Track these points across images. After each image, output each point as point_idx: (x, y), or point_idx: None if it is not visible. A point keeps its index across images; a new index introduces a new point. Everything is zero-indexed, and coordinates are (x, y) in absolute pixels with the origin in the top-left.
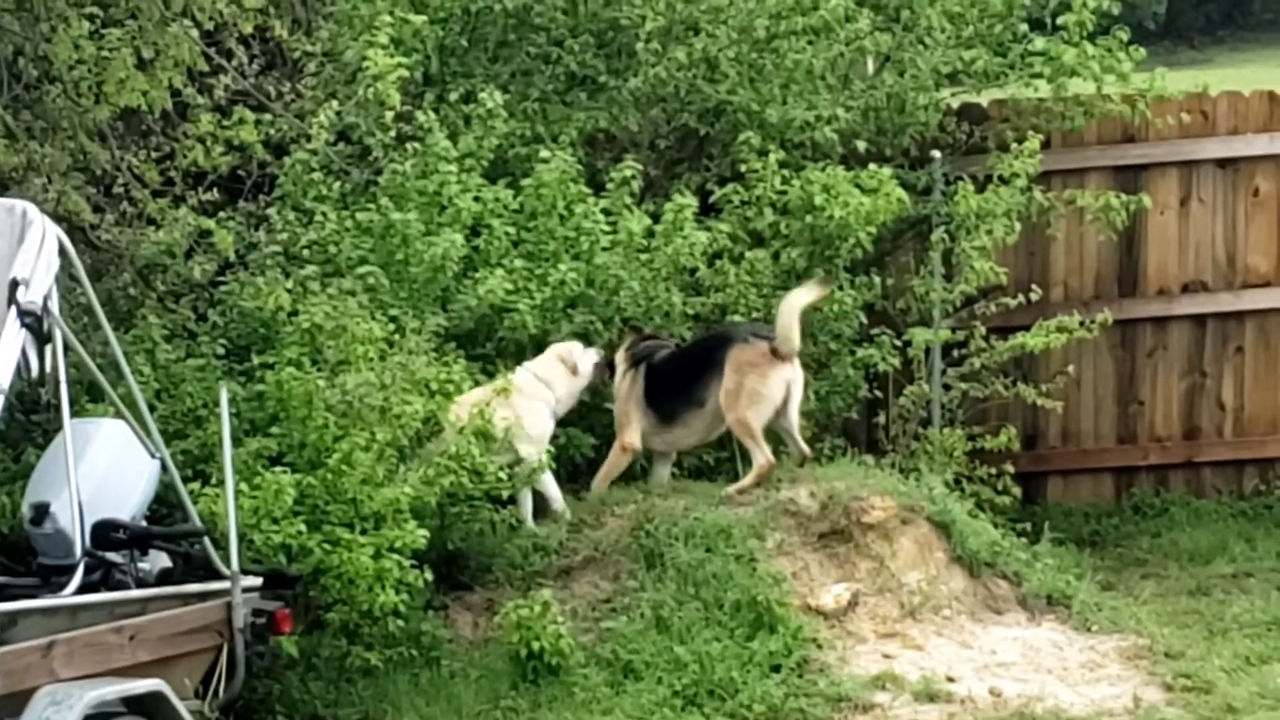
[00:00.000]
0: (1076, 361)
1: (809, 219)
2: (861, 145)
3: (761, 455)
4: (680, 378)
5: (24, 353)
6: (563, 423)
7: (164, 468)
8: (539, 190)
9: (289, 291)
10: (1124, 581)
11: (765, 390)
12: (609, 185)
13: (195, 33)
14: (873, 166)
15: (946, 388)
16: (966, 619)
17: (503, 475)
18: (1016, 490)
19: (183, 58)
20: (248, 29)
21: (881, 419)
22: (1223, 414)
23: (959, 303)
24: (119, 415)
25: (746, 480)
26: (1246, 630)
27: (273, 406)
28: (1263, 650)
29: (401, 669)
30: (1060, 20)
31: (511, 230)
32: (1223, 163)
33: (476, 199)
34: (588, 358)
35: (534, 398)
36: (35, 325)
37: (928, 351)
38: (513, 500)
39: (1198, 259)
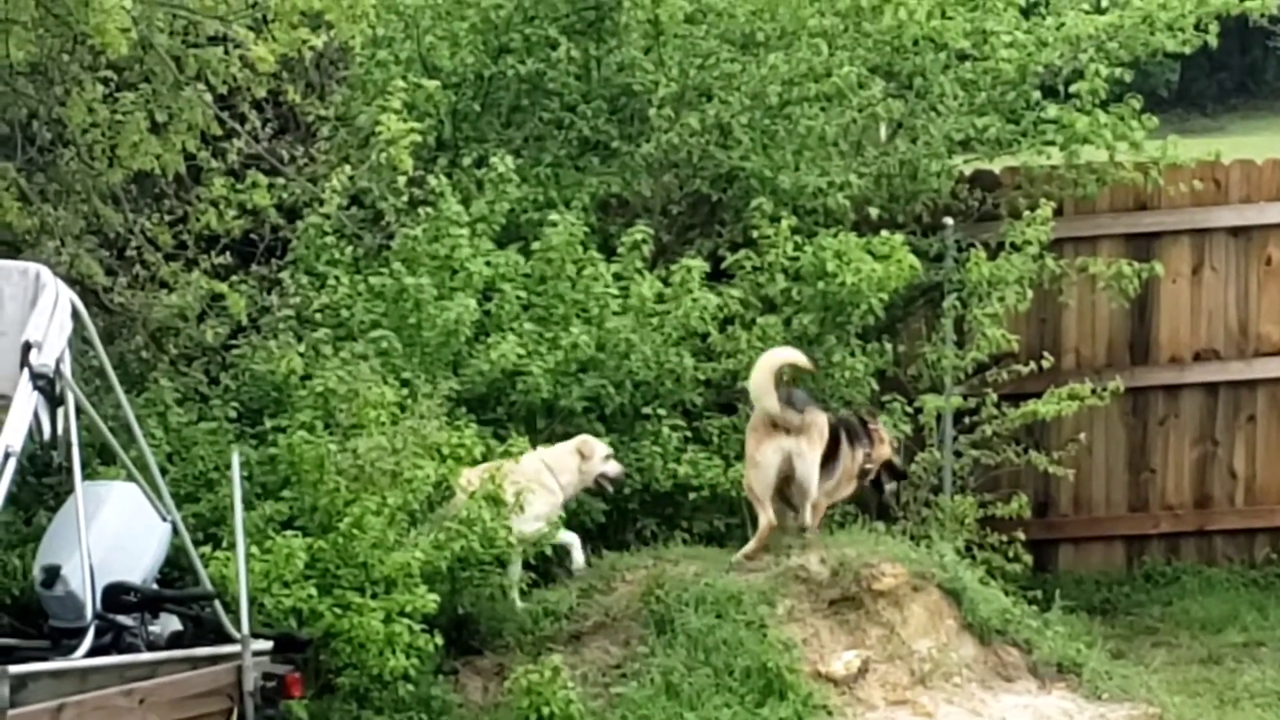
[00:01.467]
0: (1088, 429)
1: (821, 285)
2: (874, 211)
3: (763, 518)
4: None
5: (36, 415)
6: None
7: (175, 531)
8: (548, 254)
9: (301, 355)
10: (1135, 650)
11: (759, 457)
12: (620, 250)
13: (209, 96)
14: (885, 233)
15: (958, 455)
16: (977, 686)
17: (513, 540)
18: (1027, 558)
19: (196, 121)
20: (261, 93)
21: (893, 486)
22: (1234, 482)
23: (971, 369)
24: (130, 478)
25: (751, 545)
26: (1258, 699)
27: (284, 470)
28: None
29: None
30: (1073, 88)
31: (523, 294)
32: (1235, 231)
33: (488, 263)
34: (603, 457)
35: (538, 483)
36: (48, 388)
37: (939, 418)
38: (525, 565)
39: (1210, 327)
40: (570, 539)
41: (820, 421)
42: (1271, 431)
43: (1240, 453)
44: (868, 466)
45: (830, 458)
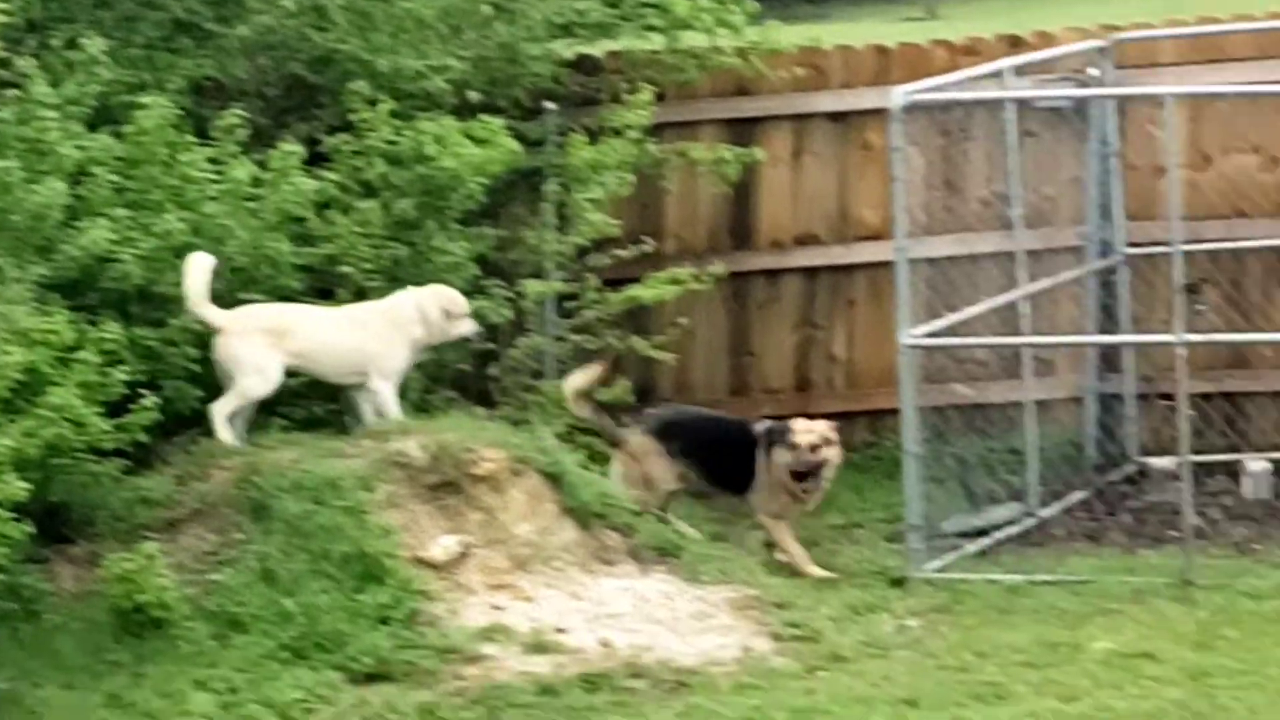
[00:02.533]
0: (689, 314)
1: (420, 169)
2: (474, 95)
3: None
4: None
5: None
6: (171, 375)
7: None
8: (140, 137)
9: None
10: (734, 533)
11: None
12: (215, 134)
13: None
14: (485, 117)
15: (559, 339)
16: (577, 570)
17: (106, 427)
18: None
19: None
20: None
21: (494, 371)
22: (834, 366)
23: (572, 255)
24: None
25: None
26: (855, 580)
27: None
28: (870, 600)
29: (1, 623)
30: None
31: (115, 179)
32: (835, 116)
33: (79, 147)
34: (468, 322)
35: (400, 330)
36: None
37: (540, 303)
38: (119, 453)
39: (810, 212)
40: (388, 398)
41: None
42: (871, 316)
43: (840, 337)
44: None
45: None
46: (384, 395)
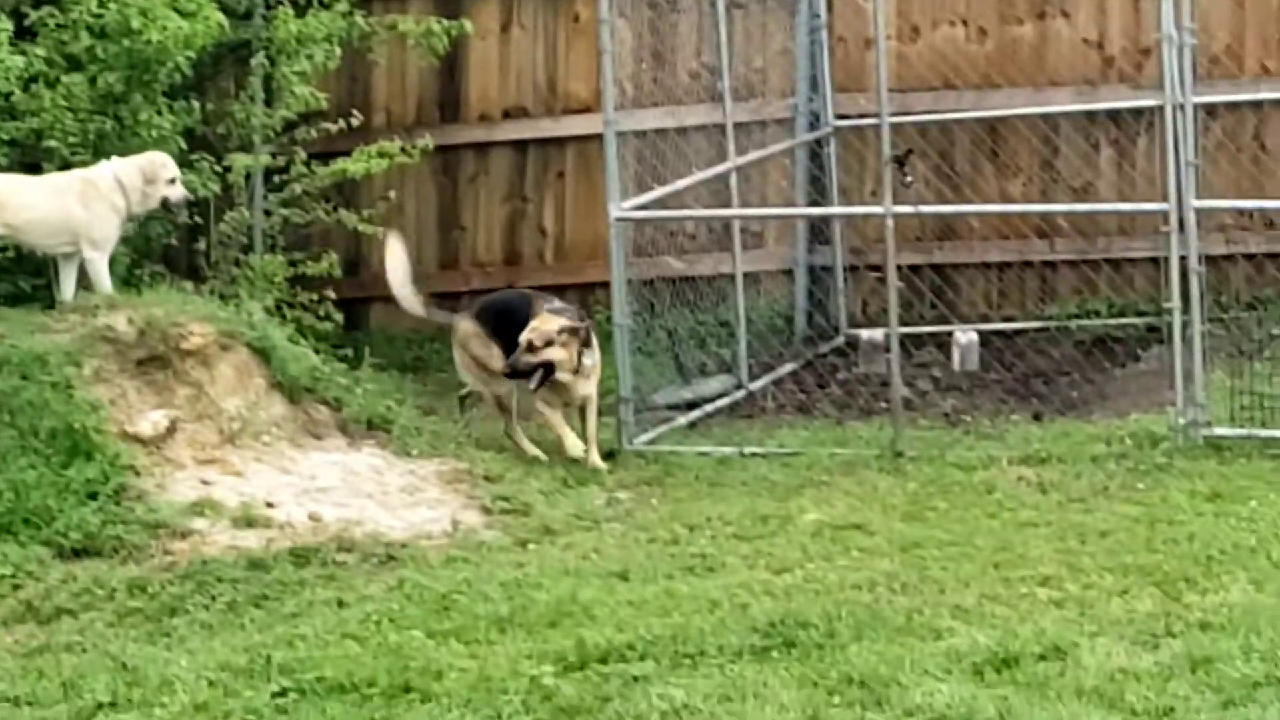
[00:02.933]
0: (399, 188)
1: (126, 43)
2: None
3: None
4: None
5: None
6: None
7: None
8: None
9: None
10: (445, 406)
11: None
12: None
13: None
14: None
15: (268, 214)
16: (286, 445)
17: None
18: (338, 316)
19: None
20: None
21: (202, 245)
22: (544, 239)
23: (280, 128)
24: None
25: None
26: (569, 456)
27: None
28: (580, 473)
29: None
30: None
31: None
32: None
33: None
34: (168, 180)
35: (108, 202)
36: None
37: (248, 177)
38: None
39: (519, 85)
40: (101, 270)
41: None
42: (580, 189)
43: (550, 210)
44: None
45: None
46: (95, 266)
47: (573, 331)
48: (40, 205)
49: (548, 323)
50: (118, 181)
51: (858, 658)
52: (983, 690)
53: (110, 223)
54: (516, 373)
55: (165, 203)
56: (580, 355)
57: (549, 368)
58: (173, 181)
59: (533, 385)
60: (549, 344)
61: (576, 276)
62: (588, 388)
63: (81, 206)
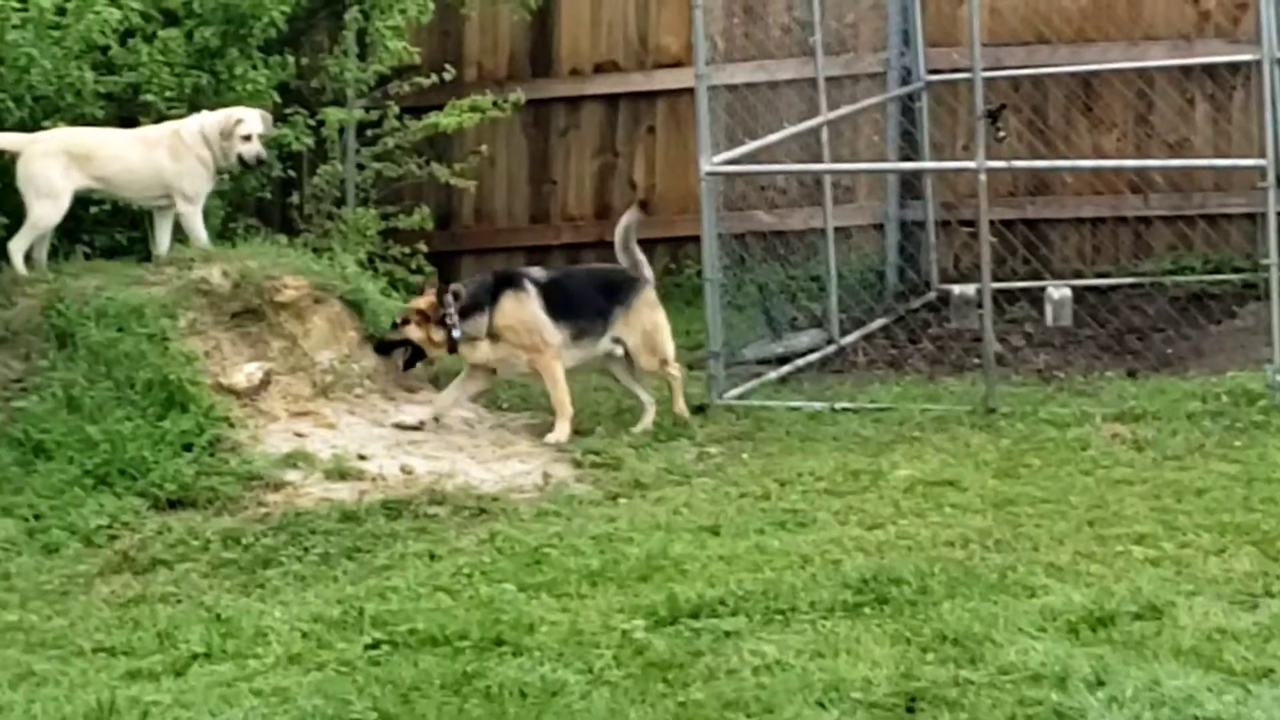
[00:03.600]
0: (490, 141)
1: None
2: None
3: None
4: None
5: None
6: None
7: None
8: None
9: None
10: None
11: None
12: None
13: None
14: None
15: (360, 167)
16: (379, 397)
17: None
18: (430, 269)
19: None
20: None
21: (295, 199)
22: (634, 193)
23: (373, 82)
24: None
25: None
26: (656, 408)
27: None
28: (670, 427)
29: None
30: None
31: None
32: None
33: None
34: (243, 137)
35: (193, 154)
36: None
37: (341, 131)
38: None
39: (610, 39)
40: (196, 224)
41: None
42: (670, 142)
43: (640, 164)
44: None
45: None
46: (190, 219)
47: (421, 313)
48: (130, 158)
49: (414, 302)
50: (203, 135)
51: (951, 615)
52: (1078, 649)
53: (199, 176)
54: (382, 349)
55: (241, 158)
56: (449, 329)
57: (399, 348)
58: (248, 138)
59: (400, 365)
60: (405, 323)
61: (667, 231)
62: (490, 352)
63: (171, 160)
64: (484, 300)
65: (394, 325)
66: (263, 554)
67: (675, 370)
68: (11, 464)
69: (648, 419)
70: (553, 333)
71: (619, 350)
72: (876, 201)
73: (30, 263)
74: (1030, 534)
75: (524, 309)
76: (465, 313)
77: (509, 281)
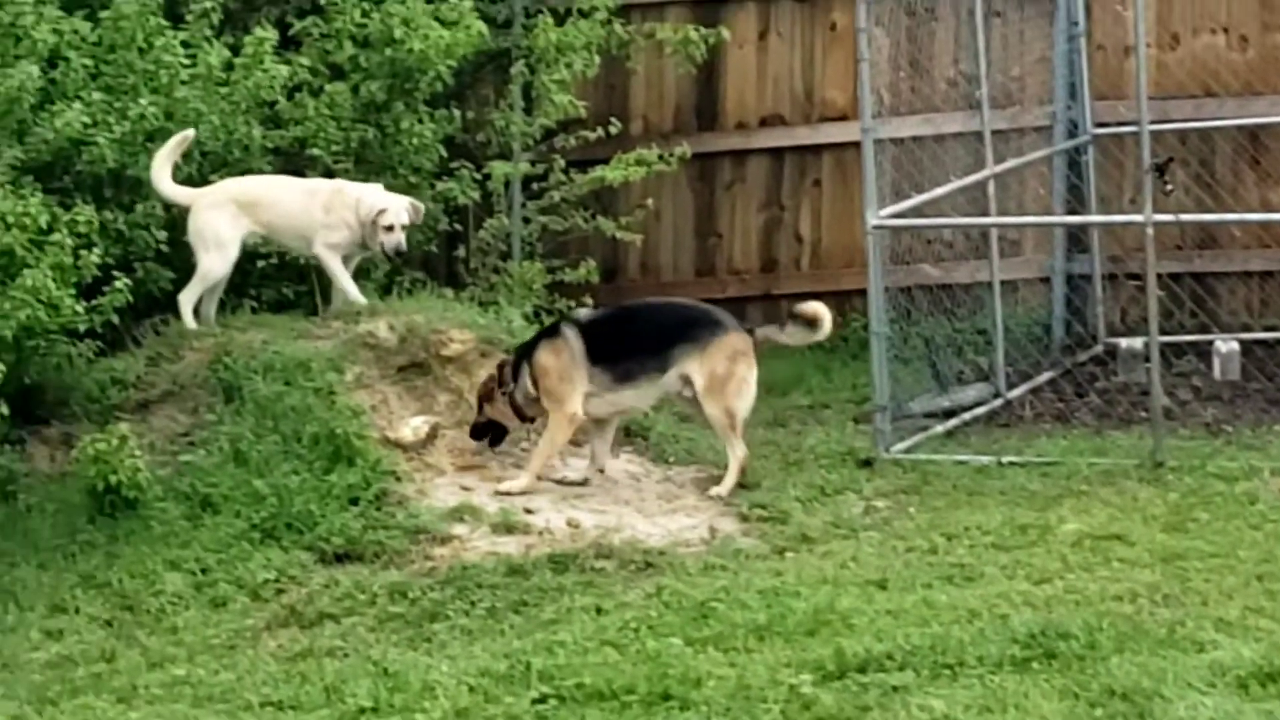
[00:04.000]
0: (656, 195)
1: (389, 51)
2: None
3: (741, 448)
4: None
5: None
6: (141, 258)
7: None
8: (118, 23)
9: None
10: (701, 414)
11: (754, 380)
12: (188, 18)
13: None
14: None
15: (526, 221)
16: None
17: (79, 309)
18: None
19: None
20: None
21: (461, 252)
22: (800, 246)
23: (539, 136)
24: None
25: (729, 479)
26: (822, 461)
27: None
28: (837, 481)
29: None
30: None
31: (89, 63)
32: None
33: (54, 31)
34: (386, 227)
35: (346, 210)
36: None
37: (507, 185)
38: (92, 334)
39: (776, 93)
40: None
41: None
42: (836, 196)
43: (806, 217)
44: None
45: None
46: (329, 264)
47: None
48: (290, 204)
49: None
50: (358, 204)
51: (1119, 669)
52: (1248, 704)
53: (341, 233)
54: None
55: (381, 247)
56: (511, 396)
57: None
58: (390, 229)
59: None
60: (483, 404)
61: (832, 284)
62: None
63: (324, 212)
64: (525, 355)
65: (479, 408)
66: (429, 608)
67: (738, 439)
68: (179, 518)
69: (728, 480)
70: (579, 388)
71: (688, 391)
72: (1043, 255)
73: (198, 317)
74: (1199, 588)
75: (556, 357)
76: (515, 373)
77: (547, 332)
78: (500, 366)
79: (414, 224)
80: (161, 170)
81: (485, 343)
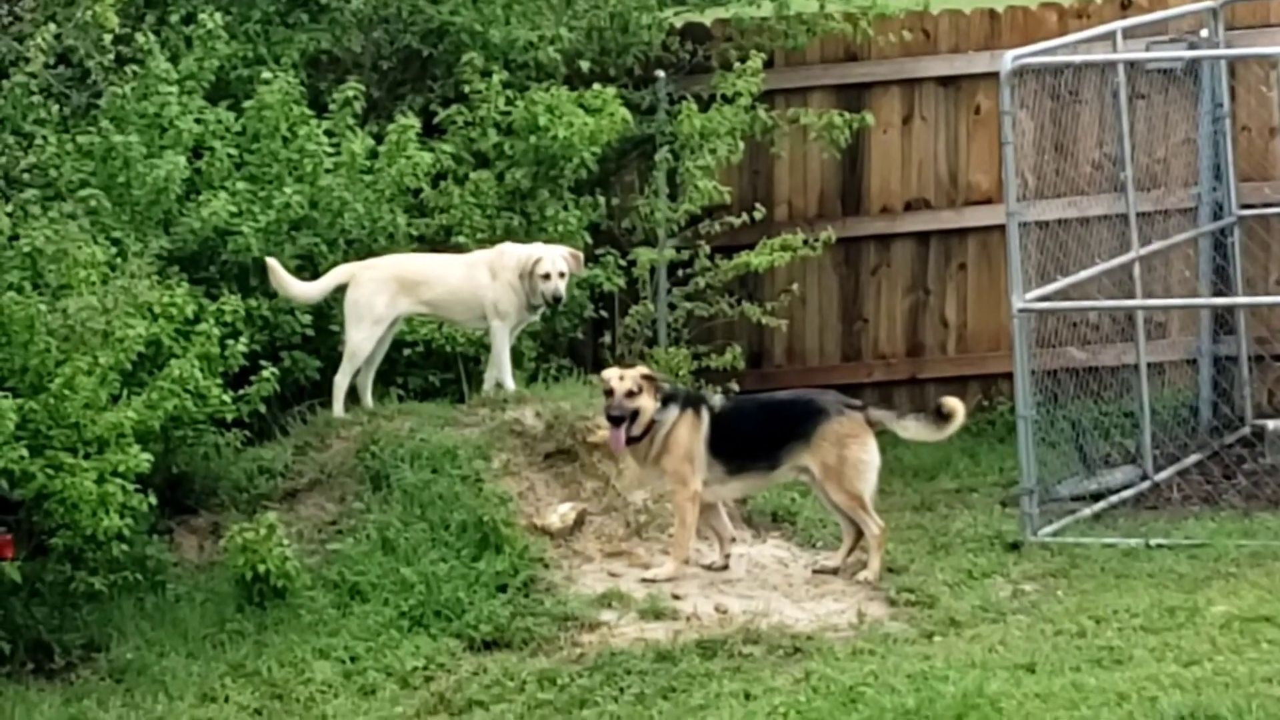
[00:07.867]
0: (801, 280)
1: (533, 139)
2: (585, 65)
3: (875, 524)
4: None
5: None
6: (287, 346)
7: None
8: (261, 112)
9: (9, 215)
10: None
11: (870, 459)
12: (332, 107)
13: None
14: (597, 86)
15: (672, 307)
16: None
17: (226, 398)
18: None
19: None
20: None
21: (607, 339)
22: (946, 331)
23: (684, 222)
24: None
25: (874, 561)
26: (969, 544)
27: None
28: (985, 564)
29: (126, 593)
30: None
31: (234, 152)
32: (944, 80)
33: (198, 121)
34: (544, 275)
35: (511, 272)
36: None
37: (653, 271)
38: (239, 424)
39: (920, 177)
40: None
41: None
42: (982, 279)
43: (952, 301)
44: None
45: None
46: (498, 336)
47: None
48: (454, 280)
49: (635, 369)
50: (518, 262)
51: None
52: None
53: (509, 298)
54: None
55: (541, 296)
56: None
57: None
58: (546, 276)
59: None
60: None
61: (979, 368)
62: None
63: (489, 277)
64: (671, 402)
65: (628, 394)
66: (578, 695)
67: (869, 517)
68: (328, 606)
69: (873, 562)
70: (698, 472)
71: (808, 479)
72: (1189, 337)
73: (357, 400)
74: None
75: (690, 434)
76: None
77: (693, 403)
78: (651, 377)
79: (573, 273)
80: (284, 282)
81: None
